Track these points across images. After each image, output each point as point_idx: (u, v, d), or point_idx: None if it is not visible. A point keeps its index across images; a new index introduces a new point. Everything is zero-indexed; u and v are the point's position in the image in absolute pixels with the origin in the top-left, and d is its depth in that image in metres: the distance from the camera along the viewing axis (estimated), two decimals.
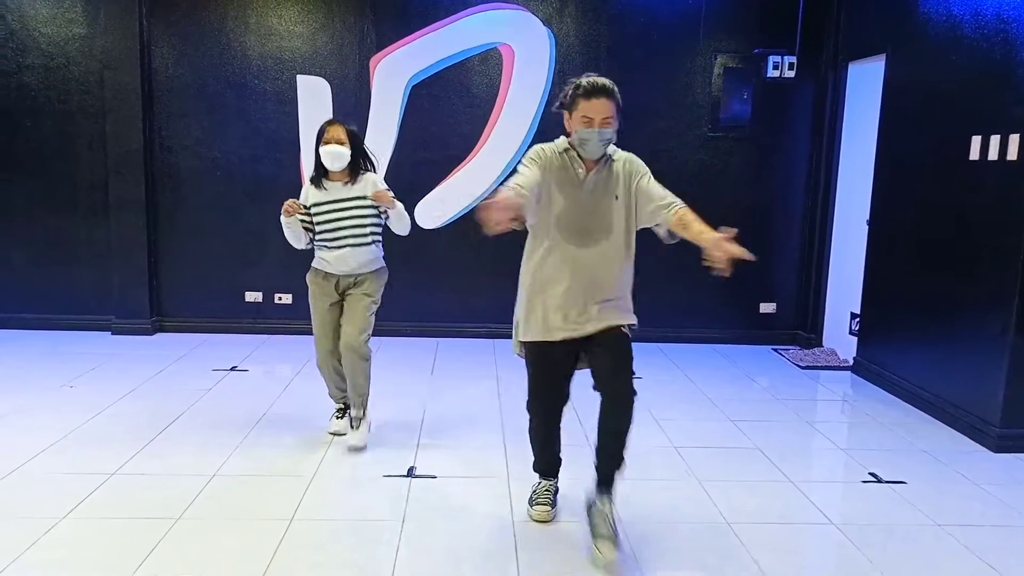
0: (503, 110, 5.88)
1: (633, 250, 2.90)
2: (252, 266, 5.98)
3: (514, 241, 6.36)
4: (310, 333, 5.89)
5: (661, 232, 2.85)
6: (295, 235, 3.73)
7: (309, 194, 3.71)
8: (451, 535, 2.94)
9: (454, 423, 4.17)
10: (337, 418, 3.96)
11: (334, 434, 3.91)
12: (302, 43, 5.78)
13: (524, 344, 2.94)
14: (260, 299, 6.03)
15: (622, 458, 2.85)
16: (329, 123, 3.64)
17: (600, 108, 2.67)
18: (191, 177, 5.89)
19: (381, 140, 5.82)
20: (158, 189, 5.89)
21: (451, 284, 6.04)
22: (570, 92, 2.73)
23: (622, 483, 2.92)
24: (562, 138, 2.85)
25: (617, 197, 2.82)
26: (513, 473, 3.52)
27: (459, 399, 4.60)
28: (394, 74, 5.82)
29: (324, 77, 5.80)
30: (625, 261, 2.88)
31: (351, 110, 5.81)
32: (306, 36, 5.78)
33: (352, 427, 3.76)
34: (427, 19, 5.77)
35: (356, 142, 3.65)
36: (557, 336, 2.84)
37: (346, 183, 3.66)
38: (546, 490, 3.12)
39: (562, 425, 3.09)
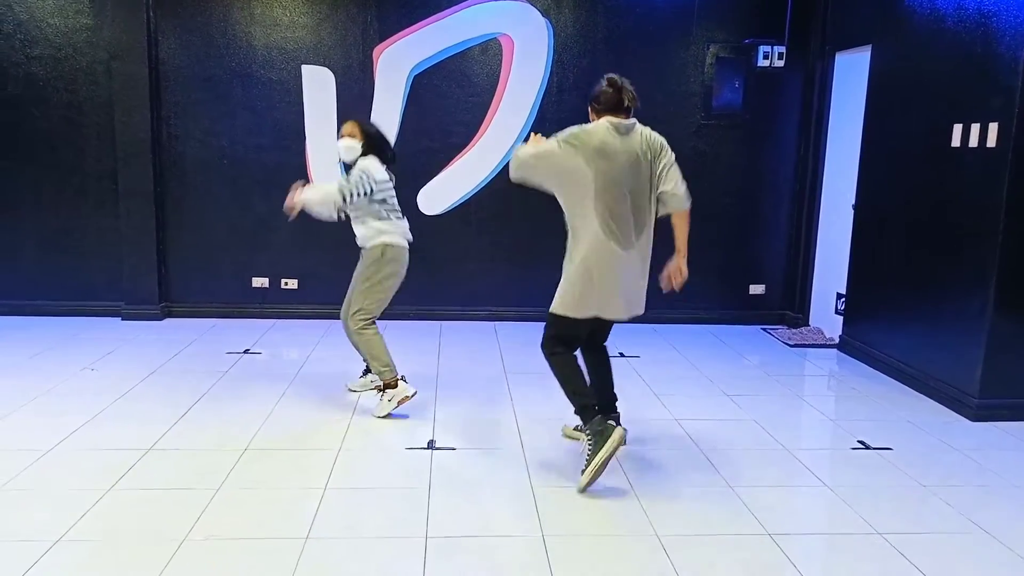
0: (503, 99, 6.06)
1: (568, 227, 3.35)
2: (259, 252, 6.14)
3: (512, 229, 6.55)
4: (317, 317, 6.13)
5: None
6: (323, 209, 4.08)
7: (377, 171, 4.04)
8: (477, 501, 3.16)
9: (466, 401, 4.38)
10: (405, 382, 4.15)
11: (350, 389, 4.40)
12: (307, 33, 5.92)
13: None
14: (267, 284, 6.18)
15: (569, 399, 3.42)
16: (347, 120, 4.09)
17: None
18: (198, 166, 6.02)
19: (384, 129, 5.96)
20: (166, 178, 6.02)
21: (453, 269, 6.23)
22: (597, 87, 3.40)
23: (629, 448, 3.14)
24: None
25: (647, 173, 3.40)
26: (527, 445, 3.74)
27: (468, 378, 4.80)
28: (396, 64, 5.98)
29: (328, 67, 5.95)
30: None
31: (354, 100, 5.96)
32: (310, 27, 5.92)
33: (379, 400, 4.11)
34: (429, 10, 5.93)
35: (370, 133, 4.05)
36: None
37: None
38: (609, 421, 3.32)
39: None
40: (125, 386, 4.44)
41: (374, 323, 4.09)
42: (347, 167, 4.01)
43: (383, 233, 4.00)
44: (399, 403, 4.03)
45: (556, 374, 3.42)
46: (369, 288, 4.01)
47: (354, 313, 4.03)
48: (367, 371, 4.32)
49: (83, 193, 5.98)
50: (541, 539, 2.85)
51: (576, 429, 3.69)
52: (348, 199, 3.87)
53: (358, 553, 2.72)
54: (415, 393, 4.09)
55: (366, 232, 4.02)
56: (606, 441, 3.16)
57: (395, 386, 4.04)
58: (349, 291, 4.10)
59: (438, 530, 2.89)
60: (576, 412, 3.39)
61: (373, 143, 4.04)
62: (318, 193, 3.96)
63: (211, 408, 4.14)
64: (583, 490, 3.19)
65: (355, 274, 4.10)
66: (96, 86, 5.86)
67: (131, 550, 2.70)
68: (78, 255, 6.04)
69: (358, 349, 4.12)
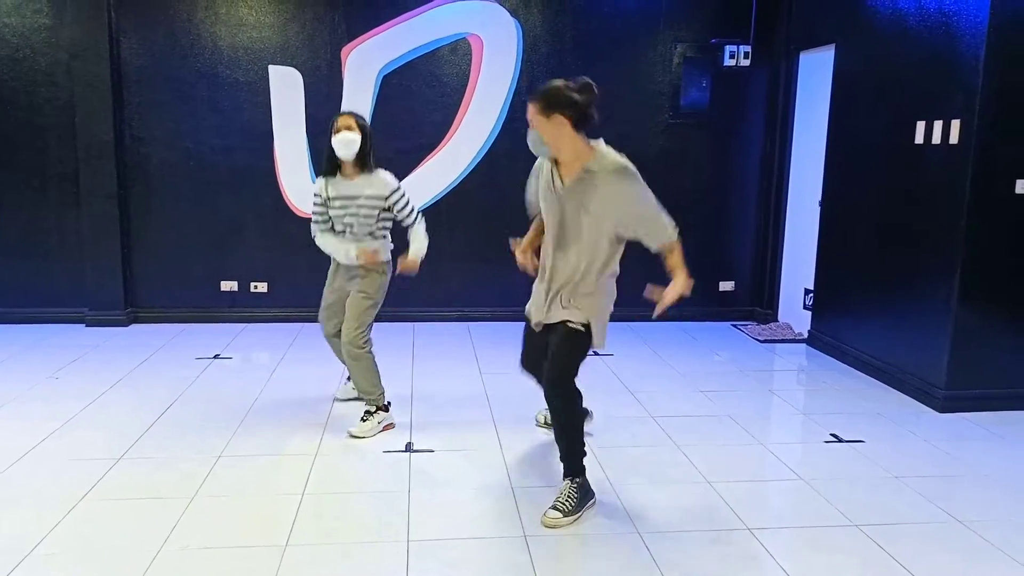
0: (473, 99, 6.04)
1: (609, 252, 3.04)
2: (227, 255, 6.05)
3: (484, 228, 6.53)
4: (288, 320, 6.04)
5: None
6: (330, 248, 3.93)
7: (328, 185, 3.81)
8: (457, 501, 3.15)
9: (442, 402, 4.36)
10: (344, 382, 4.22)
11: (336, 399, 4.26)
12: (273, 33, 5.84)
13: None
14: (236, 288, 6.09)
15: (561, 440, 3.09)
16: (339, 113, 3.78)
17: (528, 110, 2.90)
18: (163, 168, 5.91)
19: None
20: (130, 180, 5.90)
21: (424, 270, 6.11)
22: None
23: (609, 449, 3.16)
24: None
25: (589, 210, 2.92)
26: (505, 445, 3.73)
27: (443, 379, 4.78)
28: (365, 64, 5.93)
29: (296, 67, 5.88)
30: (596, 264, 3.02)
31: (323, 100, 5.90)
32: (277, 26, 5.84)
33: (361, 419, 3.85)
34: (397, 9, 5.89)
35: (366, 131, 3.76)
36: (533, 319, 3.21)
37: (356, 177, 3.78)
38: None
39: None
40: (93, 394, 4.34)
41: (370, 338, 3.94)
42: (338, 164, 3.77)
43: (382, 252, 3.89)
44: (384, 429, 3.89)
45: (571, 416, 3.08)
46: (370, 307, 3.86)
47: (356, 329, 3.82)
48: (366, 411, 3.95)
49: (44, 196, 5.83)
50: (523, 539, 2.85)
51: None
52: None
53: (339, 559, 2.69)
54: (394, 423, 3.97)
55: (375, 248, 3.86)
56: (589, 502, 3.07)
57: (386, 410, 3.91)
58: (348, 312, 3.85)
59: (420, 533, 2.87)
60: (570, 459, 3.09)
61: (370, 142, 3.81)
62: (423, 239, 3.99)
63: (182, 415, 4.06)
64: (549, 527, 2.95)
65: (353, 296, 3.86)
66: (56, 87, 5.73)
67: (105, 563, 2.64)
68: (40, 260, 5.89)
69: (353, 375, 3.91)
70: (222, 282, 6.08)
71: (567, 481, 3.06)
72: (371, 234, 3.84)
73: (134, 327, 5.94)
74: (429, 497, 3.18)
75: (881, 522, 3.04)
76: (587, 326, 3.03)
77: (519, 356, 3.41)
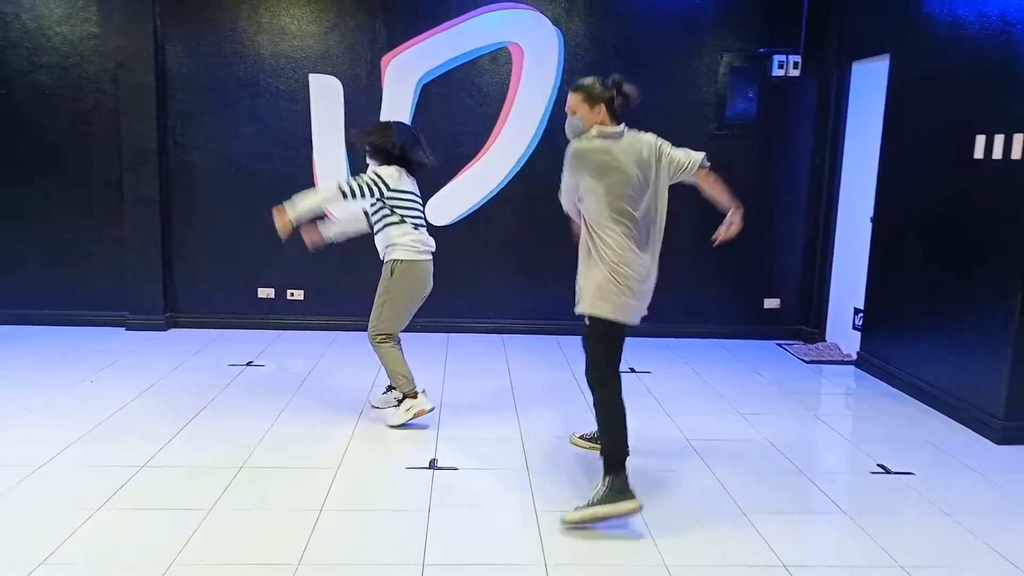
0: (512, 108, 5.96)
1: (591, 235, 3.09)
2: (265, 263, 6.06)
3: (522, 240, 6.46)
4: (323, 328, 6.04)
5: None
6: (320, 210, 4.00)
7: (398, 179, 3.91)
8: (477, 523, 3.04)
9: (470, 417, 4.26)
10: (384, 391, 4.26)
11: (373, 406, 4.28)
12: (314, 42, 5.85)
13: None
14: (273, 295, 6.10)
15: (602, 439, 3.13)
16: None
17: (567, 99, 3.18)
18: (204, 175, 5.96)
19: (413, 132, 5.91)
20: (172, 187, 5.96)
21: (461, 280, 6.12)
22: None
23: (641, 475, 3.02)
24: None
25: (656, 178, 3.14)
26: (532, 465, 3.61)
27: (473, 393, 4.69)
28: (405, 73, 5.89)
29: (336, 76, 5.88)
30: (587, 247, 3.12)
31: (362, 109, 5.89)
32: (318, 35, 5.85)
33: (394, 406, 4.10)
34: (437, 19, 5.85)
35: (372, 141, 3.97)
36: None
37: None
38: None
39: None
40: (124, 399, 4.35)
41: (393, 338, 4.01)
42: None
43: (396, 248, 3.89)
44: (415, 415, 3.98)
45: (607, 408, 3.07)
46: (384, 304, 3.94)
47: (373, 326, 3.98)
48: (390, 387, 4.18)
49: (89, 202, 5.93)
50: (544, 568, 2.72)
51: (594, 446, 3.56)
52: (348, 195, 3.76)
53: None
54: (432, 408, 4.04)
55: (381, 242, 3.98)
56: (621, 502, 2.95)
57: (414, 397, 3.99)
58: (374, 305, 4.01)
59: (436, 557, 2.77)
60: (609, 457, 3.03)
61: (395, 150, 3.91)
62: (311, 198, 3.81)
63: (209, 423, 4.04)
64: (567, 524, 2.96)
65: (379, 290, 4.00)
66: (103, 95, 5.82)
67: (115, 575, 2.59)
68: (83, 264, 5.98)
69: (383, 364, 4.06)
70: (259, 289, 6.09)
71: (599, 479, 3.05)
72: (377, 224, 3.96)
73: (172, 332, 5.98)
74: (449, 518, 3.07)
75: (929, 564, 2.83)
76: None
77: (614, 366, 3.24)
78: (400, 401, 4.04)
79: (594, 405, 3.14)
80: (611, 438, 3.07)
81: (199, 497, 3.17)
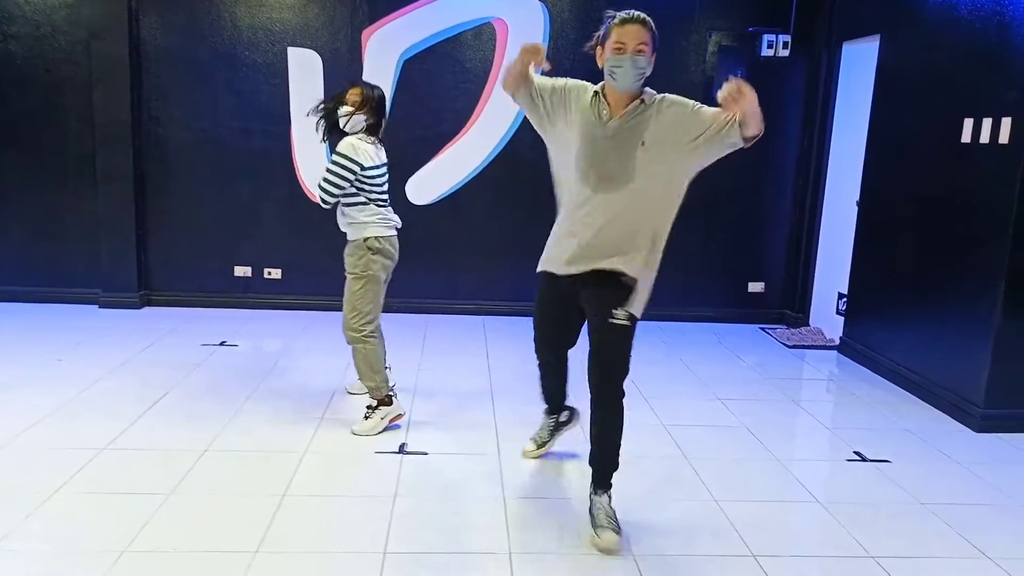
0: (496, 86, 5.83)
1: (671, 201, 2.76)
2: (242, 240, 5.95)
3: (504, 221, 6.35)
4: (301, 308, 5.94)
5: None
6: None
7: (370, 155, 3.58)
8: (443, 511, 2.97)
9: (445, 400, 4.19)
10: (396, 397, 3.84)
11: (349, 392, 4.13)
12: (293, 15, 5.70)
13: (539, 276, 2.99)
14: (250, 273, 5.99)
15: (612, 458, 2.86)
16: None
17: (634, 34, 2.61)
18: (180, 149, 5.83)
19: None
20: (146, 161, 5.82)
21: (441, 261, 6.03)
22: (604, 26, 2.72)
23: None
24: (598, 86, 2.78)
25: (644, 143, 2.66)
26: (504, 451, 3.55)
27: (449, 376, 4.61)
28: (386, 48, 5.76)
29: (315, 50, 5.73)
30: (651, 213, 2.74)
31: (342, 84, 5.73)
32: (297, 8, 5.70)
33: (364, 416, 3.68)
34: None
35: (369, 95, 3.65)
36: (558, 270, 2.86)
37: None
38: (546, 429, 3.44)
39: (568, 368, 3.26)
40: (92, 379, 4.26)
41: (377, 327, 3.68)
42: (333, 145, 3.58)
43: (368, 226, 3.57)
44: (389, 422, 3.71)
45: (621, 423, 2.89)
46: (364, 287, 3.59)
47: (350, 313, 3.61)
48: (368, 406, 3.77)
49: (62, 176, 5.79)
50: (508, 557, 2.66)
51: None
52: (327, 198, 3.50)
53: (307, 571, 2.54)
54: (404, 412, 3.81)
55: (343, 220, 3.63)
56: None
57: (389, 404, 3.70)
58: (344, 302, 3.65)
59: (398, 545, 2.70)
60: (612, 472, 2.91)
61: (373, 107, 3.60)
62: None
63: (177, 404, 3.96)
64: (611, 551, 2.70)
65: (348, 285, 3.64)
66: (75, 66, 5.66)
67: (65, 560, 2.52)
68: (56, 240, 5.86)
69: (357, 366, 3.70)
70: (236, 267, 5.98)
71: (606, 497, 2.85)
72: (354, 205, 3.59)
73: (147, 310, 5.88)
74: (415, 505, 3.01)
75: (902, 554, 2.78)
76: (632, 316, 2.76)
77: (534, 337, 3.18)
78: (372, 408, 3.69)
79: (617, 421, 2.85)
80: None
81: (160, 481, 3.09)
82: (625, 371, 2.83)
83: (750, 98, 2.47)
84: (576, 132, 2.75)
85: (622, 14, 2.67)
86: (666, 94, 2.77)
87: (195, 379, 4.36)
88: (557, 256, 2.86)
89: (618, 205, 2.71)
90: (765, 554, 2.75)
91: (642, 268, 2.75)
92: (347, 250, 3.66)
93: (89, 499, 2.94)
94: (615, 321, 2.73)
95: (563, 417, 3.46)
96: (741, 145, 2.67)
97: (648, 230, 2.75)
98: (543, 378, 3.30)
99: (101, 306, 5.83)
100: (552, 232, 2.94)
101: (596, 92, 2.76)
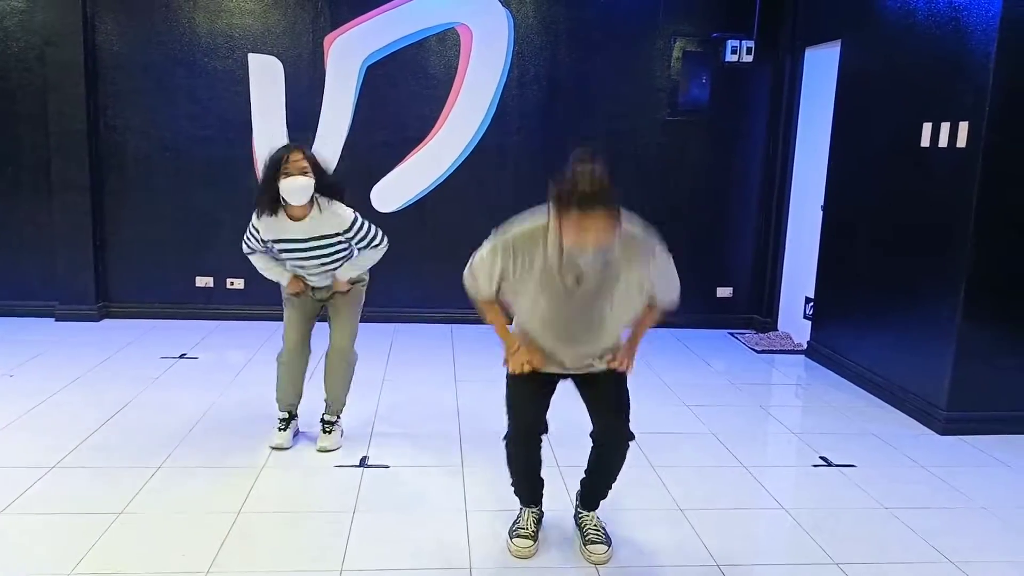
0: (461, 91, 5.79)
1: (642, 304, 2.58)
2: (203, 250, 5.83)
3: (471, 228, 6.27)
4: (264, 319, 5.77)
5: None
6: (268, 270, 3.49)
7: (264, 228, 3.29)
8: (402, 526, 2.90)
9: (409, 411, 4.12)
10: (280, 430, 3.56)
11: (276, 448, 3.51)
12: (253, 20, 5.62)
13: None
14: (211, 284, 5.88)
15: (610, 489, 2.82)
16: (287, 149, 3.20)
17: (598, 225, 2.21)
18: (138, 158, 5.71)
19: (336, 122, 5.71)
20: (103, 170, 5.70)
21: (408, 269, 5.96)
22: (565, 190, 2.23)
23: (577, 471, 2.91)
24: (551, 228, 2.35)
25: (619, 279, 2.43)
26: (467, 462, 3.49)
27: (415, 386, 4.55)
28: (349, 54, 5.69)
29: (276, 56, 5.65)
30: (621, 329, 2.62)
31: (304, 91, 5.68)
32: (258, 13, 5.61)
33: (324, 431, 3.57)
34: None
35: (319, 170, 3.25)
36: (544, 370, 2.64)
37: (303, 219, 3.27)
38: (532, 520, 2.80)
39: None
40: (45, 394, 4.13)
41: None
42: (278, 206, 3.25)
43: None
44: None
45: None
46: (357, 314, 3.59)
47: (352, 336, 3.55)
48: (288, 420, 3.62)
49: (16, 185, 5.65)
50: (468, 572, 2.60)
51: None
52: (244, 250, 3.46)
53: None
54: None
55: (329, 277, 3.49)
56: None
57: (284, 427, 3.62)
58: (341, 323, 3.52)
59: (356, 562, 2.63)
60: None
61: (321, 183, 3.28)
62: (374, 260, 3.53)
63: (132, 420, 3.85)
64: (603, 563, 2.68)
65: (344, 304, 3.51)
66: (29, 73, 5.53)
67: None
68: (10, 251, 5.71)
69: (337, 388, 3.57)
70: (197, 277, 5.87)
71: (595, 513, 2.82)
72: (339, 263, 3.43)
73: (105, 322, 5.74)
74: (375, 520, 2.94)
75: (865, 560, 2.77)
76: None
77: (518, 427, 2.72)
78: (332, 426, 3.59)
79: (624, 456, 2.73)
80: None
81: (110, 500, 2.99)
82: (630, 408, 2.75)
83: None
84: (539, 294, 2.46)
85: (583, 186, 2.20)
86: (636, 232, 2.45)
87: (152, 393, 4.25)
88: (544, 357, 2.62)
89: (589, 341, 2.57)
90: (729, 563, 2.72)
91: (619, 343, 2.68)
92: (352, 289, 3.57)
93: (36, 519, 2.84)
94: (613, 365, 2.65)
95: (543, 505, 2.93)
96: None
97: (620, 331, 2.64)
98: (526, 476, 2.81)
99: (57, 319, 5.68)
100: (520, 331, 2.64)
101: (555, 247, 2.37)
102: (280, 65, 5.66)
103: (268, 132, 5.69)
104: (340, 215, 3.33)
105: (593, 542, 2.73)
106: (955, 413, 4.01)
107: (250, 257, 3.51)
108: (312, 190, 3.21)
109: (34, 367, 4.62)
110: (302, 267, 3.40)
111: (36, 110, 5.55)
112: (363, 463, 3.43)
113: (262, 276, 3.55)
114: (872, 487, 3.38)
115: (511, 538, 2.76)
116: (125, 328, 5.55)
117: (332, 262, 3.40)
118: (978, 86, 3.82)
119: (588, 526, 2.78)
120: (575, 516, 2.88)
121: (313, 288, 3.51)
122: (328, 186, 3.32)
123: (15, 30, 5.49)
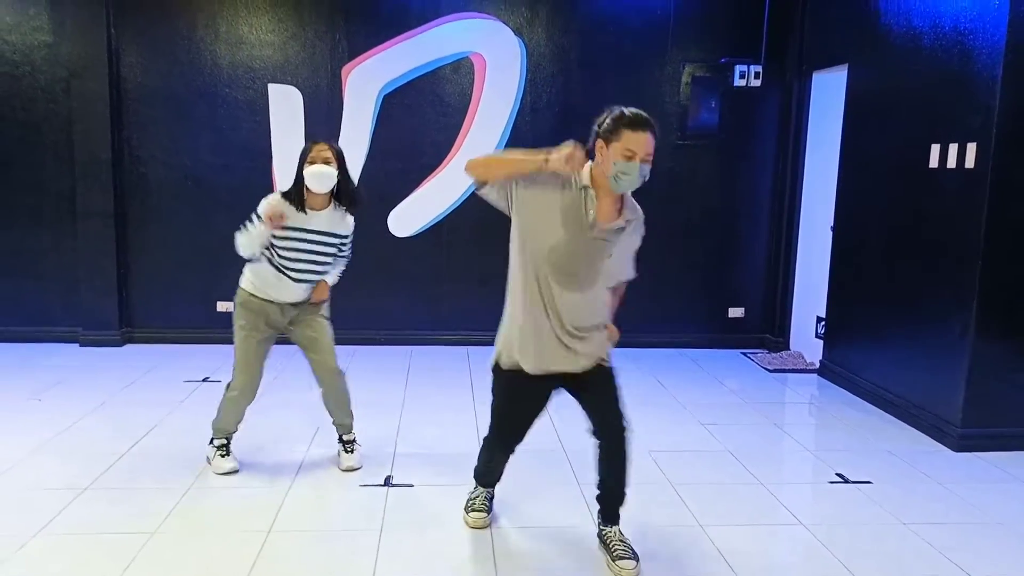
0: (475, 119, 5.92)
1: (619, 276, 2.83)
2: (224, 276, 5.86)
3: (486, 251, 6.39)
4: (283, 343, 5.83)
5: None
6: (255, 245, 3.38)
7: (287, 211, 3.38)
8: (429, 544, 2.97)
9: (430, 432, 4.19)
10: (224, 456, 3.61)
11: (230, 473, 3.56)
12: (273, 52, 5.77)
13: (497, 371, 2.86)
14: (232, 309, 5.96)
15: (624, 490, 2.89)
16: (315, 141, 3.40)
17: (646, 142, 2.54)
18: (161, 186, 5.85)
19: (353, 149, 5.82)
20: (127, 199, 5.83)
21: (424, 292, 6.06)
22: (610, 121, 2.57)
23: (589, 487, 2.97)
24: (585, 173, 2.64)
25: (611, 255, 2.70)
26: None
27: (434, 408, 4.62)
28: (366, 83, 5.83)
29: (296, 86, 5.80)
30: (604, 302, 2.81)
31: (323, 119, 5.81)
32: (277, 45, 5.77)
33: (347, 451, 3.68)
34: (399, 28, 5.80)
35: (343, 163, 3.42)
36: (531, 370, 2.76)
37: (322, 210, 3.43)
38: (485, 498, 3.17)
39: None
40: (72, 418, 4.23)
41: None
42: (303, 197, 3.39)
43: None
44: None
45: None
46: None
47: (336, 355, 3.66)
48: (227, 446, 3.67)
49: (40, 214, 5.78)
50: None
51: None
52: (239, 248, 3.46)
53: None
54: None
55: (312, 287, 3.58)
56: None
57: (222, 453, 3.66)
58: (323, 343, 3.61)
59: None
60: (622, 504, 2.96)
61: (343, 178, 3.44)
62: (337, 272, 3.64)
63: (160, 442, 3.93)
64: None
65: (319, 324, 3.60)
66: (55, 104, 5.69)
67: None
68: (35, 278, 5.83)
69: (343, 404, 3.70)
70: (218, 302, 5.97)
71: (617, 528, 2.90)
72: (326, 271, 3.56)
73: (128, 347, 5.84)
74: (402, 538, 3.00)
75: (884, 574, 2.81)
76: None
77: (502, 436, 2.99)
78: (353, 445, 3.73)
79: (629, 452, 2.83)
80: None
81: (143, 521, 3.06)
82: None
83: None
84: (556, 225, 2.64)
85: (632, 115, 2.55)
86: (639, 215, 2.77)
87: (178, 416, 4.33)
88: (534, 355, 2.74)
89: (580, 300, 2.71)
90: None
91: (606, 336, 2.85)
92: (325, 307, 3.67)
93: (71, 540, 2.91)
94: (605, 365, 2.82)
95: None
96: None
97: (604, 305, 2.82)
98: (493, 471, 3.14)
99: (81, 344, 5.79)
100: (510, 325, 2.79)
101: (585, 187, 2.64)
102: (299, 95, 5.80)
103: (287, 160, 5.80)
104: (347, 222, 3.54)
105: (621, 557, 2.79)
106: (970, 430, 4.06)
107: (237, 236, 3.44)
108: (334, 180, 3.37)
109: (61, 391, 4.72)
110: (297, 260, 3.41)
111: (61, 140, 5.70)
112: (387, 482, 3.50)
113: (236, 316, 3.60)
114: (889, 503, 3.43)
115: (467, 512, 3.13)
116: (148, 353, 5.65)
117: (323, 263, 3.51)
118: (986, 107, 3.90)
119: (614, 541, 2.85)
120: (599, 535, 2.95)
121: (281, 306, 3.52)
122: (348, 183, 3.46)
123: (42, 63, 5.65)
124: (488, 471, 3.15)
